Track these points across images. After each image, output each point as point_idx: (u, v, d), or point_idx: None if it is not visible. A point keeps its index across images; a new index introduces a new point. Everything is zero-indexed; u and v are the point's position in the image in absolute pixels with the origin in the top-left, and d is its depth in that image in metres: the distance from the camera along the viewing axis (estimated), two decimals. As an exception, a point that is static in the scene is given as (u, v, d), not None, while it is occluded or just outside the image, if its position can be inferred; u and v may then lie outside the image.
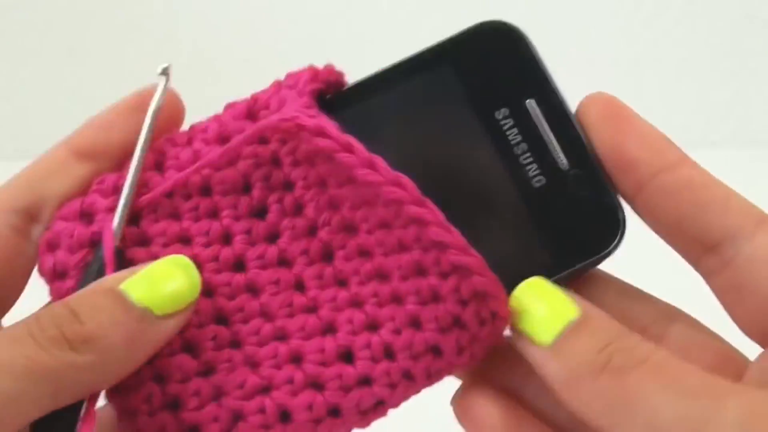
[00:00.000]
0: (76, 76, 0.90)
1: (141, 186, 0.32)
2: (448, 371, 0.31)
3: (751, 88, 0.89)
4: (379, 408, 0.31)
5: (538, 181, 0.32)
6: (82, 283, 0.30)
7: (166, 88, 0.33)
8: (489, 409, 0.31)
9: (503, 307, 0.30)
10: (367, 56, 0.90)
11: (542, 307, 0.29)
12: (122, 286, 0.28)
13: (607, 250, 0.32)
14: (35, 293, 0.32)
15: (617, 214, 0.32)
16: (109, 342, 0.27)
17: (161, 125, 0.32)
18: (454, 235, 0.29)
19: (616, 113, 0.31)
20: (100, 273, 0.30)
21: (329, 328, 0.31)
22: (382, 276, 0.31)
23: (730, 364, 0.31)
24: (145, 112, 0.32)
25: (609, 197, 0.32)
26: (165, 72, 0.33)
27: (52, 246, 0.31)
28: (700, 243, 0.30)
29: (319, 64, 0.34)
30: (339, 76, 0.34)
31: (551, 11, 0.86)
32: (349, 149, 0.30)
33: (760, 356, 0.30)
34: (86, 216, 0.31)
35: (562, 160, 0.32)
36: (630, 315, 0.32)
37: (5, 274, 0.31)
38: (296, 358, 0.30)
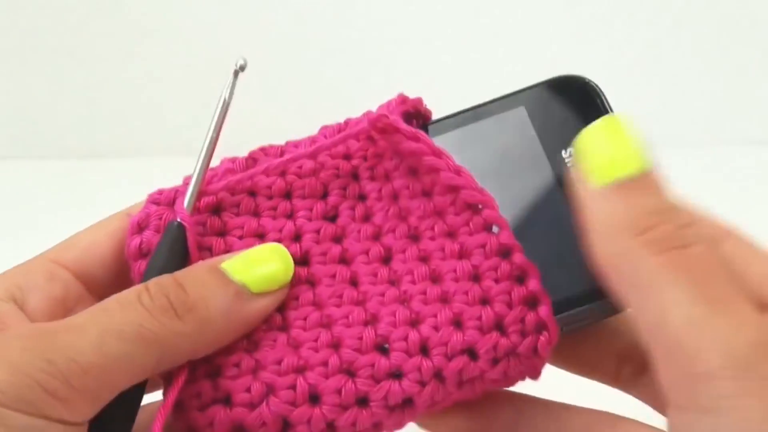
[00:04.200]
0: (76, 76, 0.90)
1: (232, 183, 0.35)
2: (480, 385, 0.32)
3: (751, 88, 0.89)
4: (407, 408, 0.31)
5: None
6: (152, 259, 0.33)
7: (235, 83, 0.36)
8: None
9: (551, 322, 0.31)
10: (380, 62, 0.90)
11: (611, 149, 0.28)
12: (223, 264, 0.32)
13: None
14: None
15: None
16: (209, 313, 0.30)
17: None
18: (517, 243, 0.32)
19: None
20: (170, 250, 0.33)
21: (372, 320, 0.32)
22: (434, 278, 0.33)
23: None
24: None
25: None
26: (242, 68, 0.36)
27: (141, 227, 0.34)
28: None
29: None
30: (427, 111, 0.38)
31: (551, 10, 0.86)
32: (438, 154, 0.33)
33: None
34: (174, 203, 0.34)
35: None
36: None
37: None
38: (335, 344, 0.32)
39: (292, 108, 0.87)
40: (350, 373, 0.31)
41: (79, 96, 0.91)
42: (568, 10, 0.87)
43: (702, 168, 0.82)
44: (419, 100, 0.37)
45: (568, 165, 0.34)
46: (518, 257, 0.32)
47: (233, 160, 0.36)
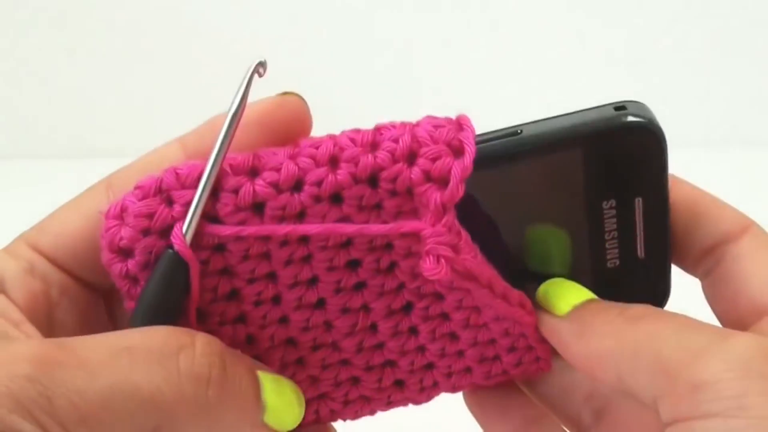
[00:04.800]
0: (76, 76, 0.90)
1: (238, 222, 0.29)
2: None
3: (751, 88, 0.89)
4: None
5: (613, 263, 0.34)
6: (145, 292, 0.29)
7: (248, 90, 0.30)
8: (498, 397, 0.36)
9: (547, 364, 0.34)
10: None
11: (563, 291, 0.33)
12: (260, 374, 0.30)
13: None
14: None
15: (664, 298, 0.34)
16: (226, 402, 0.28)
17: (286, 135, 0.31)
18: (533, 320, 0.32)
19: None
20: (168, 286, 0.29)
21: (390, 363, 0.33)
22: (453, 336, 0.33)
23: None
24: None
25: (664, 284, 0.34)
26: (261, 66, 0.30)
27: (122, 251, 0.29)
28: (697, 249, 0.34)
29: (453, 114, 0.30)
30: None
31: (552, 9, 0.86)
32: (490, 286, 0.30)
33: None
34: (166, 233, 0.29)
35: (641, 251, 0.34)
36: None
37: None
38: (354, 380, 0.33)
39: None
40: (367, 400, 0.34)
41: (78, 96, 0.91)
42: (572, 11, 0.87)
43: (703, 169, 0.82)
44: (471, 147, 0.29)
45: (606, 214, 0.33)
46: (532, 338, 0.33)
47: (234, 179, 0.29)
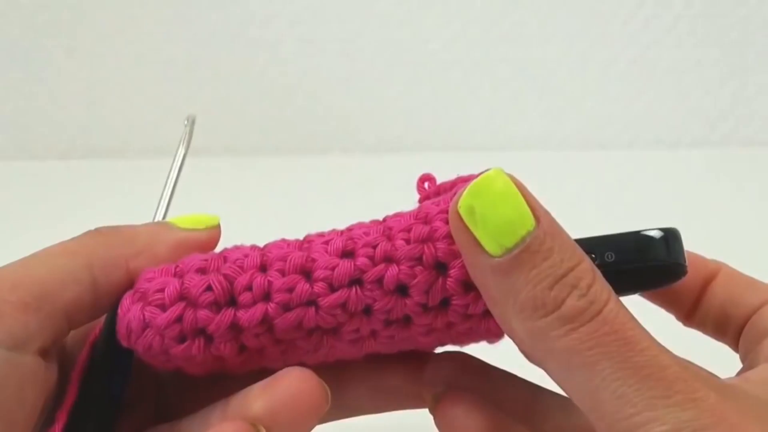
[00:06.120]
0: (76, 76, 0.90)
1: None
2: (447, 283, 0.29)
3: (751, 88, 0.89)
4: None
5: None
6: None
7: (190, 137, 0.37)
8: (468, 417, 0.29)
9: None
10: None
11: (503, 210, 0.25)
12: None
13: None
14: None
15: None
16: (136, 228, 0.32)
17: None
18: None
19: None
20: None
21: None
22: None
23: None
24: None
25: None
26: (190, 121, 0.37)
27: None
28: (734, 324, 0.33)
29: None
30: None
31: (551, 10, 0.86)
32: None
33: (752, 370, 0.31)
34: None
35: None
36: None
37: None
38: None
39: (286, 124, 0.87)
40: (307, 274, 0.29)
41: (78, 96, 0.91)
42: (567, 10, 0.87)
43: (698, 169, 0.82)
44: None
45: None
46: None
47: None
